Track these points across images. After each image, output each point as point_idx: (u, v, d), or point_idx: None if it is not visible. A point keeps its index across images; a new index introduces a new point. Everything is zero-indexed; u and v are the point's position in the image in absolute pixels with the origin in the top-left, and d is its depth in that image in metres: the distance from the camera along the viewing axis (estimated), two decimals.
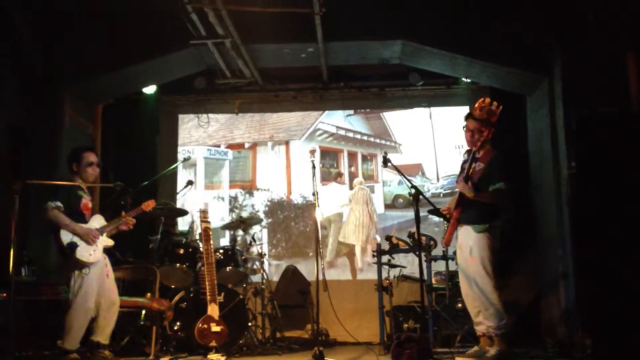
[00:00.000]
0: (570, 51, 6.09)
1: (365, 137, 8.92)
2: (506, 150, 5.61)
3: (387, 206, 8.75)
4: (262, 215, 8.40)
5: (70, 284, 5.20)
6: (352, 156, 8.95)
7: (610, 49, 5.73)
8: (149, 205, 5.78)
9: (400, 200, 8.71)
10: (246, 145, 8.89)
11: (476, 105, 5.28)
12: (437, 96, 8.45)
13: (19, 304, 5.23)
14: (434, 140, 8.50)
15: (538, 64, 6.50)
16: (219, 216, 8.51)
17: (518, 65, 6.68)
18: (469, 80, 7.89)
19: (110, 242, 5.48)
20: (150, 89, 8.00)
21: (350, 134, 8.94)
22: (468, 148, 5.37)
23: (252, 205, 8.62)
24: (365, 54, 7.43)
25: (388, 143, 8.81)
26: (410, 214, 8.39)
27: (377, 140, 8.89)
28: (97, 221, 5.48)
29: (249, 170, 8.84)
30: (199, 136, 8.76)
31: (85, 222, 5.38)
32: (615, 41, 5.69)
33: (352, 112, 8.89)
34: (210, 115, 8.64)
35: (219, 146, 8.87)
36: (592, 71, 5.80)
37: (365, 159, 8.93)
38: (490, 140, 5.24)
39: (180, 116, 8.83)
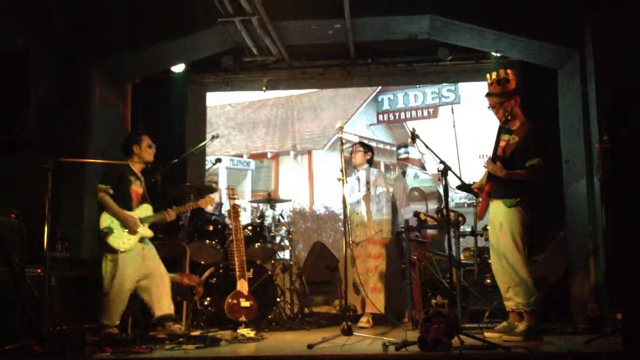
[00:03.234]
0: (601, 23, 5.97)
1: (387, 147, 8.80)
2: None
3: None
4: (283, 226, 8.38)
5: (102, 267, 5.24)
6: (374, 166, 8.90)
7: None
8: (206, 202, 5.93)
9: (415, 193, 8.57)
10: (269, 155, 8.84)
11: (488, 83, 5.19)
12: (465, 71, 8.36)
13: (53, 279, 5.33)
14: (457, 150, 8.19)
15: (568, 37, 6.39)
16: None
17: (548, 39, 6.57)
18: (498, 55, 7.78)
19: (149, 234, 5.46)
20: (178, 68, 8.04)
21: (373, 144, 8.81)
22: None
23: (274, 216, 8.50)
24: (393, 29, 7.36)
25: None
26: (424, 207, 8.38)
27: None
28: (143, 211, 5.48)
29: (271, 180, 8.79)
30: (221, 146, 8.71)
31: (131, 208, 5.38)
32: None
33: (374, 121, 8.78)
34: (232, 124, 8.63)
35: (241, 156, 8.82)
36: (624, 44, 5.68)
37: (387, 168, 8.85)
38: (522, 111, 5.15)
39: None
